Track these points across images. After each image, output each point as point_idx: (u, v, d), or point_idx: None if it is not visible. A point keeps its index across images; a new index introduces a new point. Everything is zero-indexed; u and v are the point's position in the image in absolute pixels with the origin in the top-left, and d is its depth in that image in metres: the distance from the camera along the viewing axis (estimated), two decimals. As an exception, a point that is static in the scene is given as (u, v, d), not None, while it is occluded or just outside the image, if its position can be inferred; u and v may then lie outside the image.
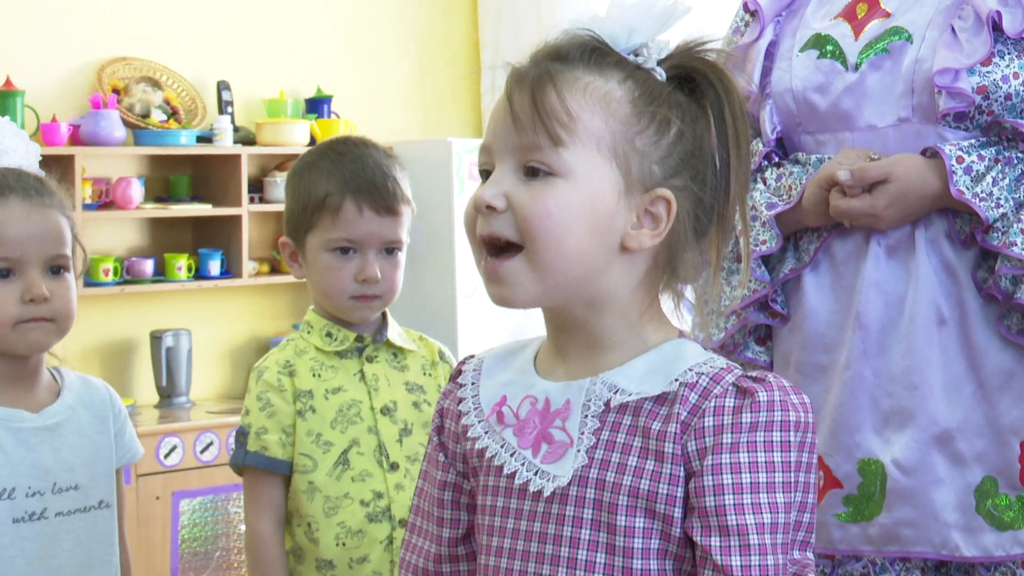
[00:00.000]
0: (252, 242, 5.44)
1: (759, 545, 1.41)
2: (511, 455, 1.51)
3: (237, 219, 5.33)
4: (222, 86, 5.47)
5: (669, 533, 1.45)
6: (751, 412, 1.43)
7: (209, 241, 5.41)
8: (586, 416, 1.48)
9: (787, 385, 1.46)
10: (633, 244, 1.48)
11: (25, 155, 2.28)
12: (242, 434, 2.40)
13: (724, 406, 1.44)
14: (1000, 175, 2.26)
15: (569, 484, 1.47)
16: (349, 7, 5.93)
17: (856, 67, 2.37)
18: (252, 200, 5.40)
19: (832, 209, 2.32)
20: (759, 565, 1.40)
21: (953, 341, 2.30)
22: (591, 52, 1.49)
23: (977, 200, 2.24)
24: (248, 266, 5.38)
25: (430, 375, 2.49)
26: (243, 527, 4.86)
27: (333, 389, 2.41)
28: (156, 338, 5.24)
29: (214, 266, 5.33)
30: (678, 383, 1.46)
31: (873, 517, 2.32)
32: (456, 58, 6.24)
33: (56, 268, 2.18)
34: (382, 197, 2.37)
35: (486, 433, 1.54)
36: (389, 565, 2.37)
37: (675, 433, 1.44)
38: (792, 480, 1.43)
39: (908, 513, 2.30)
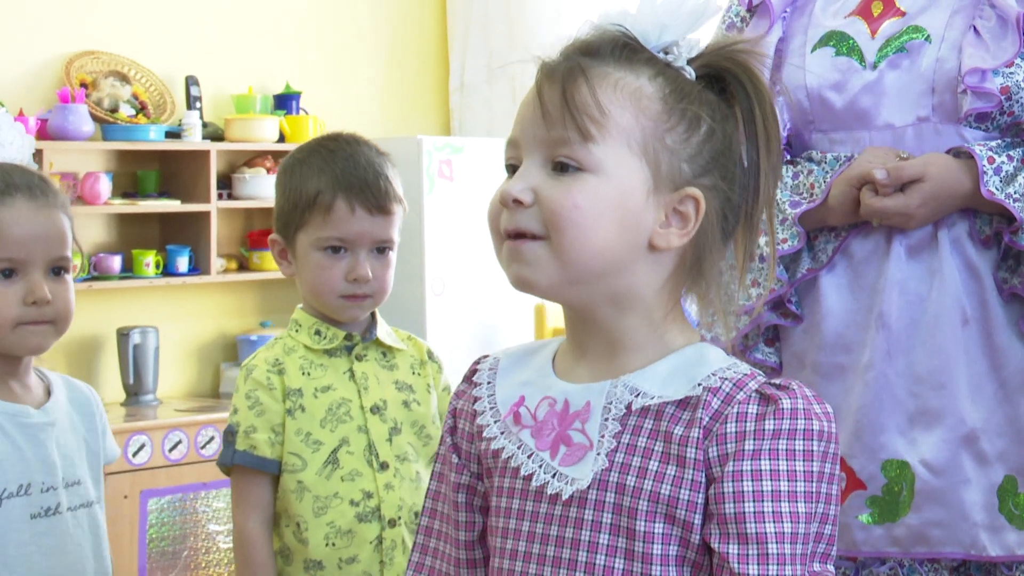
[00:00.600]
0: (220, 239, 5.39)
1: (778, 555, 1.39)
2: (528, 457, 1.49)
3: (206, 215, 5.28)
4: (191, 81, 5.42)
5: (688, 540, 1.43)
6: (774, 419, 1.41)
7: (177, 237, 5.35)
8: (606, 419, 1.46)
9: (811, 394, 1.44)
10: (661, 243, 1.46)
11: (21, 148, 2.25)
12: (230, 433, 2.37)
13: (747, 412, 1.42)
14: None
15: (588, 488, 1.45)
16: (319, 2, 5.90)
17: (874, 65, 2.36)
18: (221, 196, 5.35)
19: (864, 208, 2.32)
20: (777, 575, 1.38)
21: (975, 341, 2.31)
22: (622, 48, 1.47)
23: (1011, 201, 2.25)
24: (216, 263, 5.33)
25: (419, 374, 2.46)
26: (211, 526, 4.85)
27: (323, 388, 2.38)
28: (123, 335, 5.19)
29: (182, 263, 5.28)
30: (701, 387, 1.44)
31: (899, 518, 2.31)
32: (425, 55, 6.22)
33: (57, 269, 2.15)
34: (374, 196, 2.34)
35: (502, 434, 1.52)
36: (379, 565, 2.35)
37: (697, 438, 1.42)
38: (814, 490, 1.41)
39: (938, 514, 2.29)
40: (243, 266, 5.54)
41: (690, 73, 1.48)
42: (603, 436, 1.46)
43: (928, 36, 2.34)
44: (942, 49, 2.32)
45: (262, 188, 5.41)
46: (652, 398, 1.45)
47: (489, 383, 1.57)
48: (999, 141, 2.30)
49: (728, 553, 1.39)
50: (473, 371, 1.60)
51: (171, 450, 4.88)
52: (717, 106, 1.48)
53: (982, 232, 2.32)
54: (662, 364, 1.47)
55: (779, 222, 2.37)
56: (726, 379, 1.45)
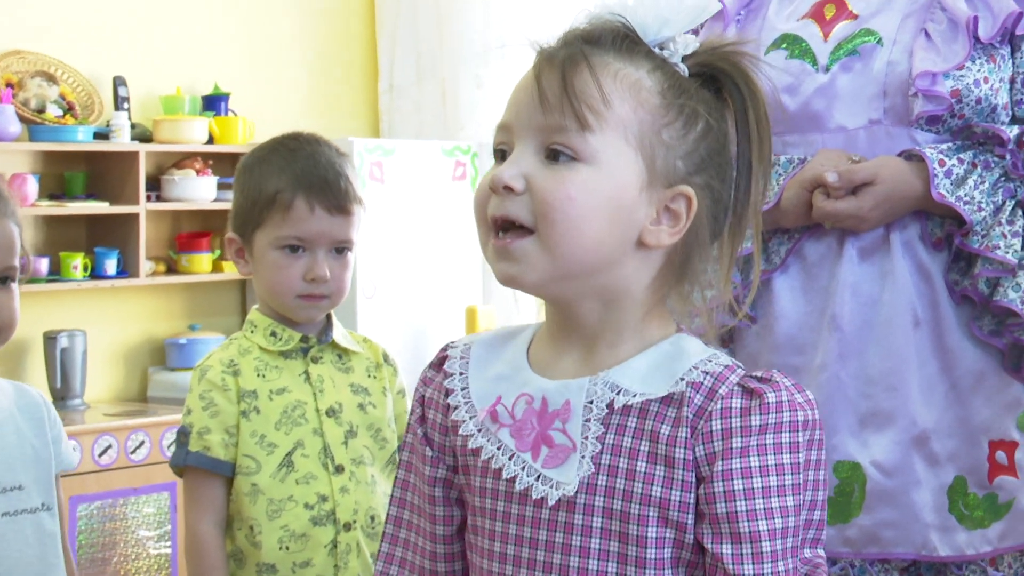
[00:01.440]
0: (149, 241, 5.33)
1: (771, 552, 1.39)
2: (509, 458, 1.47)
3: (134, 217, 5.22)
4: (118, 81, 5.35)
5: (683, 541, 1.42)
6: (760, 415, 1.40)
7: (105, 240, 5.28)
8: (588, 419, 1.44)
9: (791, 383, 1.43)
10: (651, 240, 1.44)
11: None
12: (183, 434, 2.34)
13: (731, 408, 1.41)
14: (980, 179, 2.29)
15: (576, 492, 1.43)
16: (247, 3, 5.85)
17: (827, 68, 2.38)
18: (149, 198, 5.29)
19: (816, 211, 2.33)
20: (771, 572, 1.39)
21: (927, 343, 2.33)
22: (623, 39, 1.45)
23: (961, 203, 2.27)
24: (145, 266, 5.27)
25: (375, 377, 2.44)
26: (142, 532, 4.78)
27: (278, 390, 2.35)
28: (50, 339, 5.11)
29: (110, 265, 5.21)
30: (684, 383, 1.42)
31: (851, 519, 2.33)
32: (354, 57, 6.19)
33: (3, 278, 2.10)
34: (334, 196, 2.32)
35: (479, 432, 1.49)
36: (333, 570, 2.33)
37: (685, 437, 1.41)
38: (801, 481, 1.41)
39: (889, 514, 2.31)
40: (172, 269, 5.48)
41: (684, 70, 1.46)
42: (586, 438, 1.44)
43: (880, 39, 2.35)
44: (894, 52, 2.34)
45: (191, 190, 5.36)
46: (634, 395, 1.43)
47: (462, 374, 1.53)
48: (950, 144, 2.32)
49: (722, 553, 1.39)
50: (442, 359, 1.56)
51: (100, 455, 4.81)
52: (714, 104, 1.47)
53: (933, 234, 2.34)
54: (641, 358, 1.46)
55: None
56: (707, 373, 1.43)
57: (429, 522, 1.55)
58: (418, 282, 5.51)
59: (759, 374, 1.44)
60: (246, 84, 5.79)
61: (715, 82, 1.48)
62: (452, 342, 1.58)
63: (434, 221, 5.61)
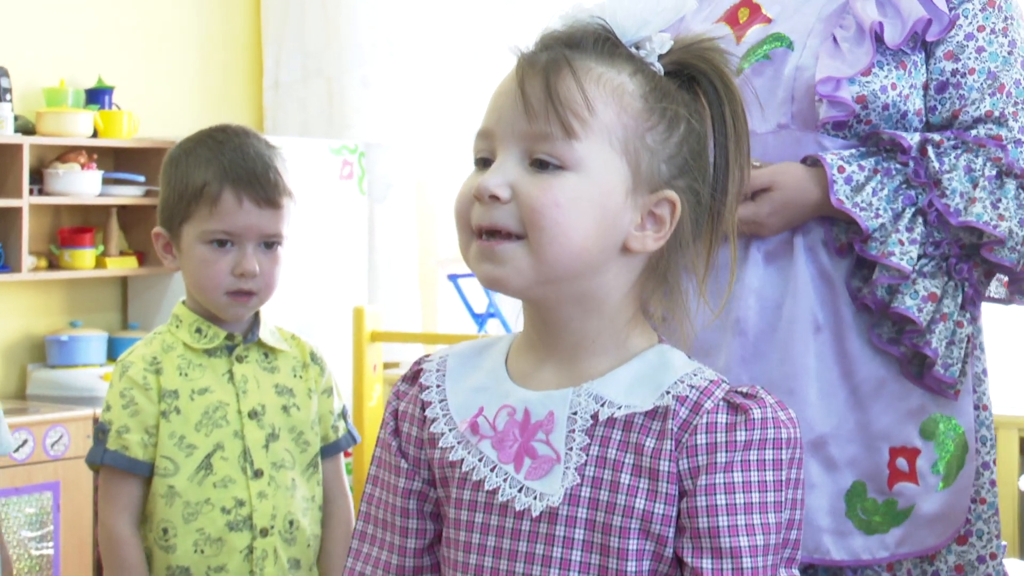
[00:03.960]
0: (31, 235, 5.23)
1: (751, 569, 1.38)
2: (491, 469, 1.45)
3: (17, 211, 5.11)
4: (0, 72, 5.24)
5: (662, 554, 1.41)
6: (745, 430, 1.40)
7: (-14, 234, 5.18)
8: (572, 430, 1.43)
9: (774, 401, 1.44)
10: (636, 246, 1.44)
11: None
12: (102, 431, 2.29)
13: (717, 423, 1.41)
14: (879, 185, 2.30)
15: (559, 503, 1.42)
16: (132, -4, 5.77)
17: (738, 72, 2.39)
18: (32, 192, 5.19)
19: None
20: None
21: (828, 348, 2.34)
22: (603, 42, 1.44)
23: (857, 210, 2.28)
24: (27, 260, 5.17)
25: (300, 377, 2.40)
26: (24, 533, 4.68)
27: (200, 390, 2.31)
28: (-72, 334, 5.00)
29: (-9, 259, 5.11)
30: (670, 396, 1.42)
31: None
32: (239, 52, 6.13)
33: None
34: (263, 188, 2.28)
35: (460, 444, 1.47)
36: (248, 575, 2.30)
37: (670, 450, 1.40)
38: (784, 499, 1.41)
39: None
40: (53, 264, 5.38)
41: (660, 69, 1.46)
42: (571, 449, 1.43)
43: (791, 43, 2.37)
44: (803, 57, 2.35)
45: (75, 184, 5.27)
46: (619, 408, 1.42)
47: (439, 386, 1.51)
48: (853, 150, 2.33)
49: (703, 568, 1.38)
50: (417, 372, 1.55)
51: (-21, 453, 4.70)
52: (692, 105, 1.46)
53: (838, 240, 2.35)
54: (625, 369, 1.45)
55: None
56: (693, 387, 1.43)
57: (400, 535, 1.53)
58: (304, 281, 5.47)
59: (744, 389, 1.44)
60: (131, 78, 5.71)
61: (691, 81, 1.48)
62: (426, 355, 1.57)
63: (321, 220, 5.57)
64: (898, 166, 2.32)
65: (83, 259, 5.36)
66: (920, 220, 2.32)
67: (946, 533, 2.35)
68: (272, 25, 6.10)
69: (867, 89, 2.31)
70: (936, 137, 2.33)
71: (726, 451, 1.40)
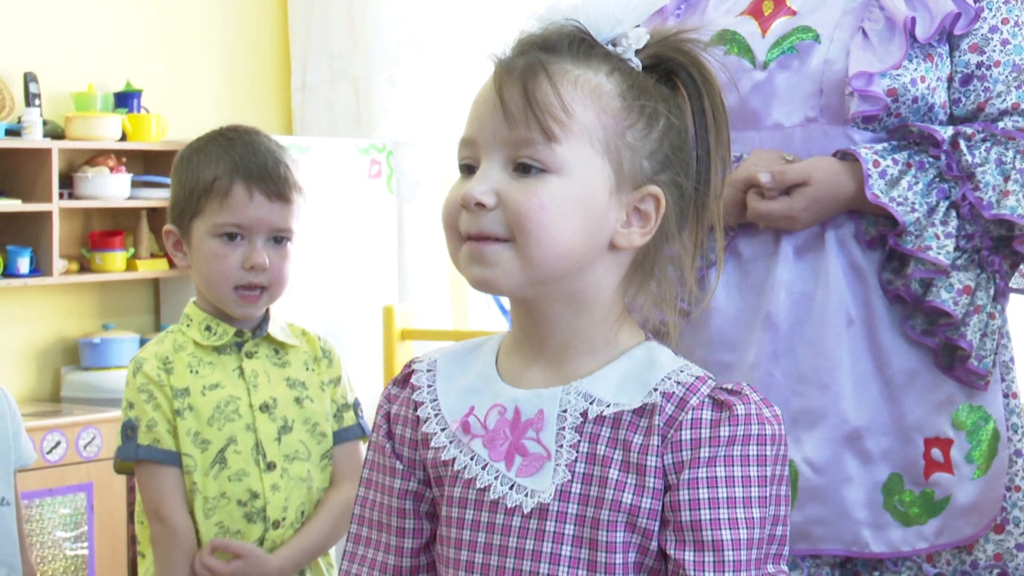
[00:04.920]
0: (62, 239, 5.26)
1: (734, 562, 1.40)
2: (483, 468, 1.47)
3: (47, 215, 5.14)
4: (29, 78, 5.26)
5: (647, 547, 1.43)
6: (729, 426, 1.42)
7: (17, 238, 5.20)
8: (562, 428, 1.45)
9: (760, 398, 1.45)
10: (623, 242, 1.46)
11: None
12: (130, 428, 2.31)
13: (702, 419, 1.43)
14: (914, 179, 2.30)
15: (550, 499, 1.44)
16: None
17: (764, 65, 2.39)
18: (62, 196, 5.22)
19: (750, 211, 2.34)
20: None
21: (860, 341, 2.35)
22: (579, 43, 1.45)
23: (894, 204, 2.29)
24: (58, 264, 5.20)
25: (312, 371, 2.42)
26: (59, 533, 4.71)
27: (211, 385, 2.34)
28: (-39, 338, 5.04)
29: (23, 263, 5.12)
30: (657, 392, 1.44)
31: None
32: (267, 54, 6.15)
33: None
34: (273, 182, 2.31)
35: (452, 443, 1.49)
36: None
37: (656, 446, 1.42)
38: (768, 494, 1.43)
39: (819, 511, 2.33)
40: (84, 267, 5.41)
41: (637, 64, 1.46)
42: (561, 446, 1.44)
43: (817, 36, 2.37)
44: (831, 50, 2.35)
45: (105, 188, 5.30)
46: (608, 406, 1.44)
47: (430, 387, 1.53)
48: (886, 144, 2.33)
49: (684, 560, 1.40)
50: (408, 374, 1.57)
51: (14, 456, 4.74)
52: (671, 99, 1.47)
53: (868, 233, 2.35)
54: (613, 367, 1.47)
55: None
56: (679, 383, 1.45)
57: (397, 536, 1.55)
58: (334, 281, 5.49)
59: (730, 386, 1.46)
60: (159, 81, 5.73)
61: (669, 74, 1.49)
62: (417, 358, 1.58)
63: (350, 219, 5.59)
64: (930, 159, 2.32)
65: (114, 262, 5.39)
66: (954, 213, 2.32)
67: (983, 522, 2.36)
68: (299, 27, 6.12)
69: (897, 82, 2.31)
70: (967, 130, 2.33)
71: (710, 446, 1.41)
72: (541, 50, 1.45)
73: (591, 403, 1.45)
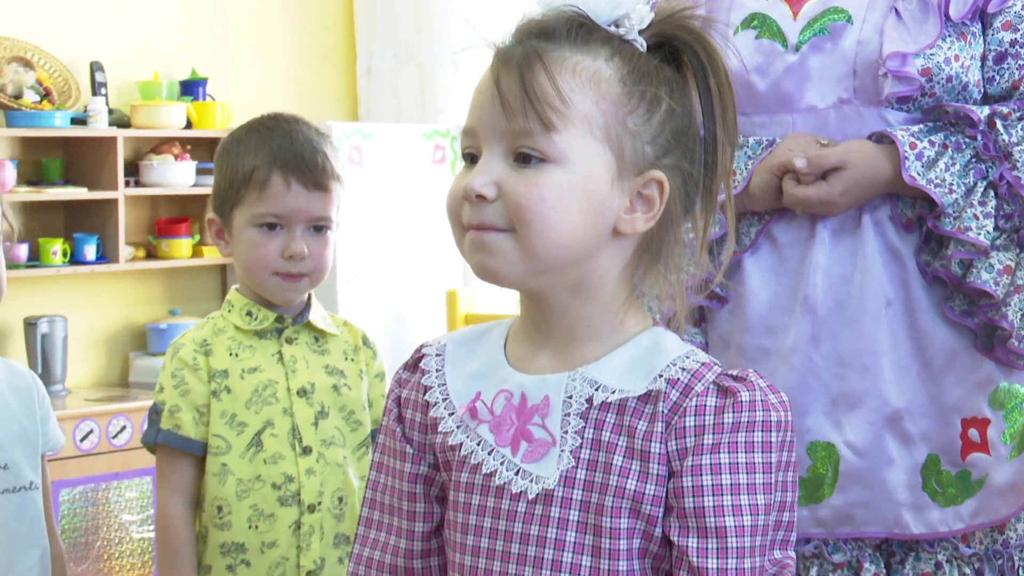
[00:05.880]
0: (128, 227, 5.33)
1: (737, 548, 1.39)
2: (489, 453, 1.47)
3: (113, 203, 5.21)
4: (95, 67, 5.34)
5: (651, 533, 1.42)
6: (733, 412, 1.41)
7: (84, 226, 5.28)
8: (568, 414, 1.45)
9: (766, 384, 1.44)
10: (627, 229, 1.44)
11: None
12: (155, 411, 2.34)
13: (706, 405, 1.41)
14: (951, 160, 2.28)
15: (555, 485, 1.43)
16: (224, -12, 5.85)
17: (796, 48, 2.37)
18: (128, 184, 5.29)
19: (786, 197, 2.33)
20: (736, 568, 1.39)
21: (899, 323, 2.33)
22: (577, 28, 1.44)
23: (931, 186, 2.27)
24: (124, 251, 5.27)
25: (352, 360, 2.43)
26: (125, 516, 4.79)
27: (249, 369, 2.35)
28: (30, 324, 5.11)
29: (90, 251, 5.20)
30: (663, 379, 1.43)
31: (824, 499, 2.34)
32: (332, 41, 6.18)
33: None
34: (311, 172, 2.32)
35: (459, 428, 1.49)
36: (295, 551, 2.33)
37: (660, 432, 1.41)
38: (772, 481, 1.42)
39: (862, 494, 2.32)
40: (151, 254, 5.48)
41: (642, 45, 1.45)
42: (566, 432, 1.44)
43: (849, 17, 2.34)
44: (864, 31, 2.33)
45: (170, 175, 5.36)
46: (613, 392, 1.44)
47: (439, 371, 1.53)
48: (922, 126, 2.31)
49: (688, 546, 1.39)
50: (418, 358, 1.57)
51: (82, 440, 4.82)
52: (675, 82, 1.46)
53: (904, 215, 2.33)
54: (619, 353, 1.46)
55: None
56: (685, 369, 1.43)
57: (407, 520, 1.55)
58: (398, 265, 5.52)
59: (735, 372, 1.45)
60: (224, 69, 5.78)
61: (674, 53, 1.47)
62: (427, 342, 1.58)
63: (414, 204, 5.61)
64: (967, 139, 2.30)
65: (180, 248, 5.45)
66: (992, 193, 2.30)
67: (1018, 502, 2.35)
68: (364, 13, 6.15)
69: (932, 62, 2.29)
70: (1004, 109, 2.30)
71: (713, 433, 1.40)
72: (539, 37, 1.43)
73: (596, 389, 1.44)
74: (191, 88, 5.59)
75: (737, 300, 2.41)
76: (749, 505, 1.39)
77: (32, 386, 2.24)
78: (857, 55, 2.32)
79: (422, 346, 1.58)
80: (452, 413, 1.50)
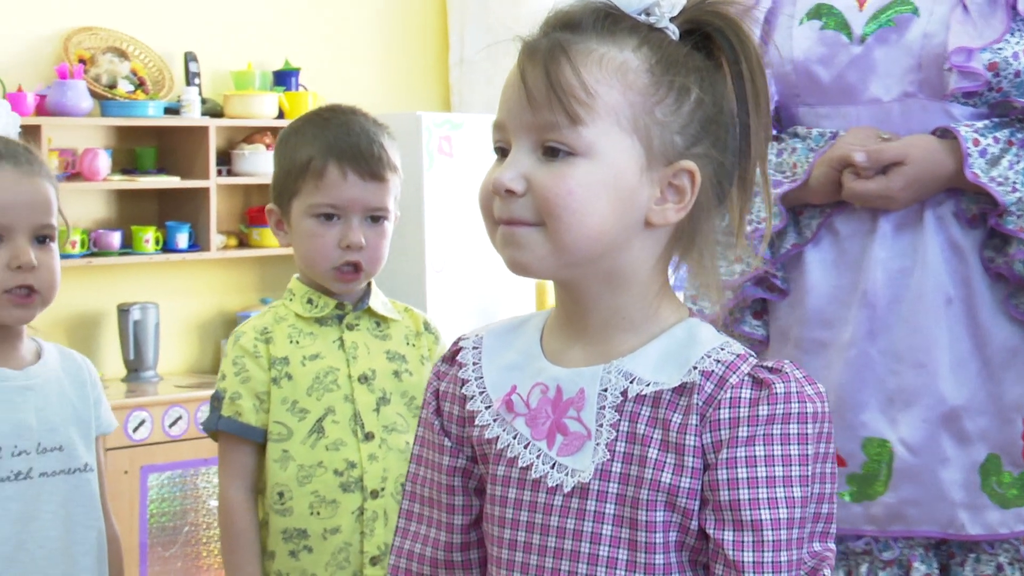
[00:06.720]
0: (220, 215, 5.39)
1: (773, 541, 1.38)
2: (525, 447, 1.47)
3: (205, 192, 5.28)
4: (189, 57, 5.41)
5: (688, 526, 1.41)
6: (768, 404, 1.39)
7: (176, 214, 5.35)
8: (603, 407, 1.44)
9: (802, 375, 1.42)
10: (658, 219, 1.43)
11: (7, 124, 2.25)
12: (216, 399, 2.37)
13: (740, 397, 1.40)
14: (1015, 158, 2.25)
15: (590, 478, 1.43)
16: (317, -22, 5.89)
17: (862, 39, 2.34)
18: (220, 173, 5.35)
19: (846, 191, 2.30)
20: (772, 562, 1.37)
21: (959, 319, 2.30)
22: (604, 18, 1.42)
23: (994, 184, 2.23)
24: (216, 239, 5.33)
25: (413, 345, 2.44)
26: (212, 503, 4.84)
27: (310, 356, 2.37)
28: (123, 311, 5.19)
29: (182, 239, 5.27)
30: (697, 371, 1.42)
31: (877, 496, 2.31)
32: (425, 30, 6.20)
33: (42, 237, 2.15)
34: (367, 162, 2.32)
35: (495, 421, 1.49)
36: (359, 536, 2.34)
37: (695, 425, 1.40)
38: (809, 473, 1.40)
39: (914, 492, 2.29)
40: (243, 242, 5.54)
41: (674, 32, 1.43)
42: (600, 425, 1.44)
43: (916, 9, 2.31)
44: (930, 24, 2.30)
45: (261, 164, 5.41)
46: (647, 385, 1.43)
47: (475, 364, 1.53)
48: (986, 122, 2.28)
49: (723, 540, 1.38)
50: (455, 351, 1.57)
51: (171, 426, 4.88)
52: (705, 70, 1.44)
53: (968, 211, 2.30)
54: (653, 346, 1.45)
55: (760, 200, 2.35)
56: (719, 361, 1.42)
57: (447, 512, 1.55)
58: (487, 256, 5.50)
59: (770, 364, 1.43)
60: (317, 59, 5.83)
61: (706, 40, 1.45)
62: (464, 335, 1.58)
63: (503, 194, 5.60)
64: None
65: (271, 237, 5.49)
66: None
67: None
68: (457, 1, 6.15)
69: (999, 56, 2.25)
70: None
71: (748, 425, 1.39)
72: (565, 29, 1.42)
73: (631, 382, 1.43)
74: (284, 78, 5.63)
75: (797, 293, 2.39)
76: (785, 498, 1.38)
77: (85, 370, 2.28)
78: (922, 48, 2.29)
79: (460, 339, 1.58)
80: (488, 406, 1.50)
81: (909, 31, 2.31)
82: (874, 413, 2.31)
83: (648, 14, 1.43)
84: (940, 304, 2.29)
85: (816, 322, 2.37)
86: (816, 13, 2.38)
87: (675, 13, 1.44)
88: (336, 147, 2.32)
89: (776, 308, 2.43)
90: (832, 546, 1.45)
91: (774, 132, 2.42)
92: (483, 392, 1.51)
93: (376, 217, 2.36)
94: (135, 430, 4.80)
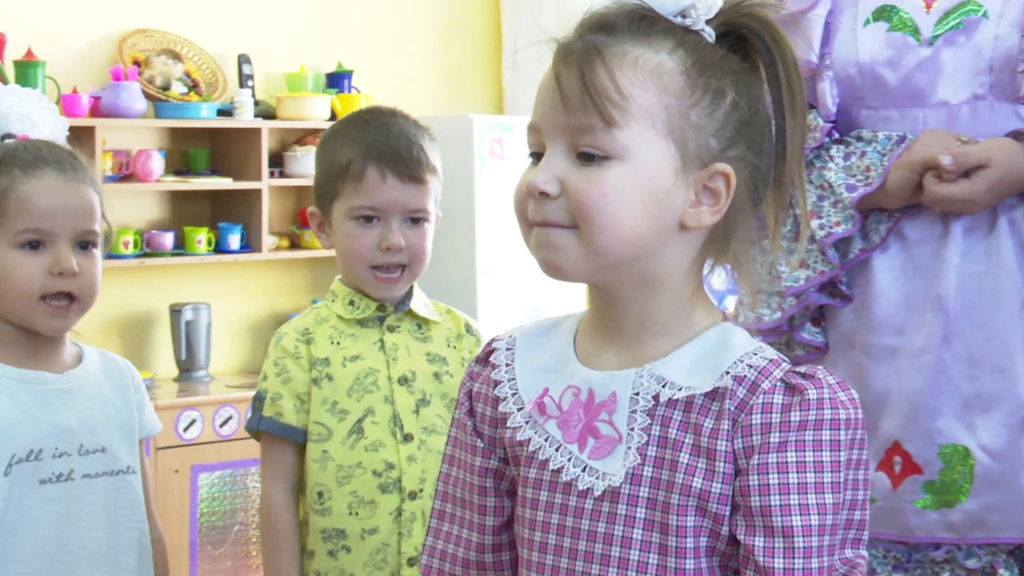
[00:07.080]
0: (272, 217, 5.41)
1: (804, 548, 1.37)
2: (556, 449, 1.46)
3: (257, 193, 5.30)
4: (243, 59, 5.44)
5: (718, 532, 1.41)
6: (800, 411, 1.38)
7: (229, 215, 5.38)
8: (634, 411, 1.43)
9: (835, 381, 1.41)
10: (692, 222, 1.42)
11: (54, 128, 2.26)
12: (258, 399, 2.38)
13: (773, 403, 1.39)
14: None
15: (621, 482, 1.43)
16: (370, -19, 5.91)
17: (930, 42, 2.32)
18: (272, 174, 5.38)
19: (927, 194, 2.28)
20: (803, 569, 1.37)
21: None
22: (639, 20, 1.41)
23: None
24: (268, 240, 5.36)
25: (454, 347, 2.45)
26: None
27: (351, 357, 2.38)
28: (175, 311, 5.23)
29: (234, 240, 5.30)
30: (729, 376, 1.41)
31: (956, 504, 2.28)
32: (478, 33, 6.21)
33: (84, 243, 2.16)
34: (405, 164, 2.33)
35: (527, 424, 1.49)
36: (397, 537, 2.35)
37: (726, 430, 1.40)
38: (841, 480, 1.39)
39: (997, 498, 2.27)
40: (295, 244, 5.56)
41: (710, 35, 1.43)
42: (632, 429, 1.43)
43: (985, 12, 2.29)
44: (1000, 26, 2.28)
45: (313, 166, 5.41)
46: (680, 389, 1.42)
47: (508, 365, 1.53)
48: None
49: (754, 546, 1.38)
50: (488, 352, 1.57)
51: (222, 426, 4.91)
52: (740, 73, 1.43)
53: None
54: (686, 350, 1.44)
55: (831, 204, 2.33)
56: (752, 366, 1.41)
57: (479, 514, 1.55)
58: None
59: (803, 370, 1.42)
60: (369, 61, 5.84)
61: (742, 42, 1.44)
62: (498, 336, 1.58)
63: (554, 197, 5.60)
64: None
65: (323, 239, 5.51)
66: None
67: None
68: (510, 4, 6.16)
69: None
70: None
71: (780, 431, 1.38)
72: (599, 31, 1.42)
73: (663, 386, 1.43)
74: (336, 80, 5.65)
75: (863, 299, 2.36)
76: (816, 504, 1.37)
77: (127, 374, 2.29)
78: (994, 50, 2.27)
79: (493, 340, 1.58)
80: (521, 408, 1.50)
81: (978, 33, 2.28)
82: (950, 419, 2.28)
83: (684, 16, 1.43)
84: (1016, 308, 2.26)
85: (885, 328, 2.34)
86: (881, 14, 2.36)
87: (711, 15, 1.44)
88: (375, 149, 2.33)
89: (838, 314, 2.40)
90: (864, 552, 1.44)
91: (836, 135, 2.40)
92: (515, 394, 1.51)
93: (416, 219, 2.37)
94: (186, 430, 4.83)
